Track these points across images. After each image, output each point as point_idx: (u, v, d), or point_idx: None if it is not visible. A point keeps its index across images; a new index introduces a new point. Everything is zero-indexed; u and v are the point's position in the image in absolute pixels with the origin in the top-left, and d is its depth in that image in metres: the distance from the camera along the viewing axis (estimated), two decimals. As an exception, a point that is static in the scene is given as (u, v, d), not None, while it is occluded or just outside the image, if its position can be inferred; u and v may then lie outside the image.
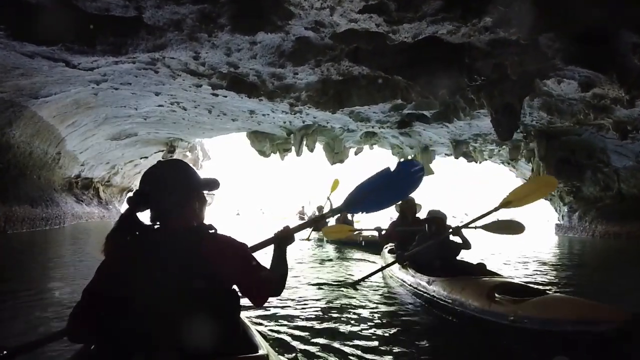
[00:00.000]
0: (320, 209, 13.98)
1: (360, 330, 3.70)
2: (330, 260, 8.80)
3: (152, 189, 1.67)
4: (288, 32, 7.32)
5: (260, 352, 1.75)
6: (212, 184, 1.79)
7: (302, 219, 28.89)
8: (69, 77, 9.12)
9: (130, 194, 1.71)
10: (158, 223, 1.68)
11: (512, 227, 5.11)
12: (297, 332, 3.59)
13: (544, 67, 8.41)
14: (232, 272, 1.63)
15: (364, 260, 8.61)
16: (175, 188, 1.68)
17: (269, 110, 13.01)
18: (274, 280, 1.77)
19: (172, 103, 12.62)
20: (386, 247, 7.46)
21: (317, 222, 2.45)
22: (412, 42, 7.02)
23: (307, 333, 3.57)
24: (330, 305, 4.65)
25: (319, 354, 3.12)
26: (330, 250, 10.44)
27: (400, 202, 6.25)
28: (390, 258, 6.47)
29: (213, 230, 1.68)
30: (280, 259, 1.93)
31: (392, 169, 2.24)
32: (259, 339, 1.94)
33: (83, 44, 6.91)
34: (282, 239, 2.01)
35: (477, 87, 9.37)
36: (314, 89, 10.48)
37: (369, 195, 2.21)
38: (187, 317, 1.49)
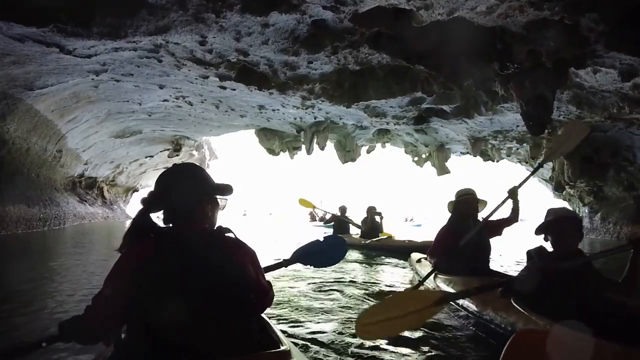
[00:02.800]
0: (342, 209, 13.12)
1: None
2: (356, 262, 8.16)
3: (165, 191, 1.70)
4: (304, 13, 6.59)
5: (282, 348, 1.74)
6: (225, 190, 1.82)
7: (313, 219, 28.37)
8: (66, 66, 8.45)
9: (145, 195, 1.76)
10: (171, 225, 1.70)
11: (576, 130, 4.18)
12: (318, 331, 3.41)
13: (581, 54, 7.68)
14: (250, 275, 1.67)
15: (396, 265, 7.84)
16: (187, 191, 1.70)
17: (279, 105, 12.32)
18: (271, 292, 1.81)
19: (177, 97, 11.98)
20: (415, 255, 6.16)
21: (282, 266, 2.50)
22: (446, 19, 6.27)
23: (329, 332, 3.40)
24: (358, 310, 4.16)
25: (340, 351, 2.97)
26: (353, 252, 9.55)
27: (454, 198, 4.91)
28: (427, 269, 4.64)
29: (230, 234, 1.72)
30: None
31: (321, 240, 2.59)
32: (280, 335, 1.93)
33: (77, 25, 6.21)
34: None
35: (507, 77, 8.66)
36: (328, 81, 9.76)
37: (311, 254, 2.49)
38: (219, 316, 1.55)
